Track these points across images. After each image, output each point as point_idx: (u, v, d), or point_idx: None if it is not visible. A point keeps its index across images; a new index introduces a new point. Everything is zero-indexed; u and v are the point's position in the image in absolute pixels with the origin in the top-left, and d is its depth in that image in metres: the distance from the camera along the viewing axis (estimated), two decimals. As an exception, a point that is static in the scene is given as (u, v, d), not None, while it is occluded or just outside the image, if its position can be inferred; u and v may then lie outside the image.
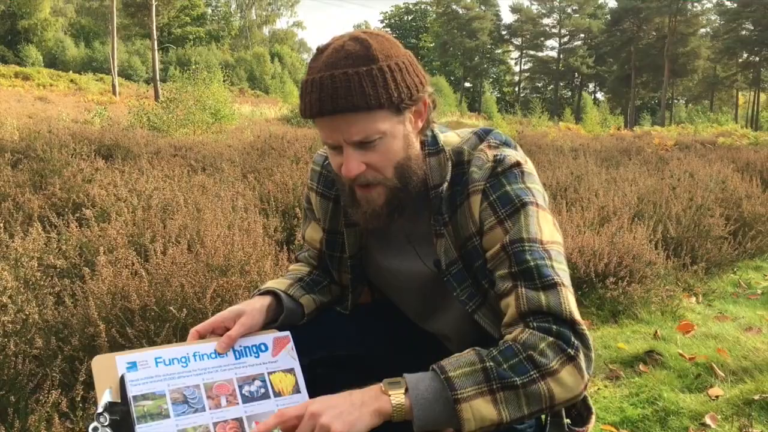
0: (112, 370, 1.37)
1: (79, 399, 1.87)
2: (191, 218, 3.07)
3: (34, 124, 9.64)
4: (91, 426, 1.31)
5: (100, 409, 1.32)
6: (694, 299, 3.90)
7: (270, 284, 1.66)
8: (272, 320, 1.60)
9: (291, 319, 1.62)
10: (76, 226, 3.00)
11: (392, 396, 1.27)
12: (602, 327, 3.36)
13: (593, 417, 1.56)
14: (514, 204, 1.42)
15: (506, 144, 1.52)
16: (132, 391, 1.36)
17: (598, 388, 2.61)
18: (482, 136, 1.53)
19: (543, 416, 1.41)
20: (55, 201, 3.99)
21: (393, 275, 1.69)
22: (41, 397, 1.83)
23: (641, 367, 2.81)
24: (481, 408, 1.26)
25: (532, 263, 1.37)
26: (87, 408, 1.89)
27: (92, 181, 4.22)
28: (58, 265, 2.50)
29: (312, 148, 7.13)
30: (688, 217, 4.64)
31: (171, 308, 2.08)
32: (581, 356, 1.31)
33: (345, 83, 1.30)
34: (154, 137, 9.48)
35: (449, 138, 1.52)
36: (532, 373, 1.28)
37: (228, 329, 1.51)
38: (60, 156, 4.79)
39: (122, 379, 1.36)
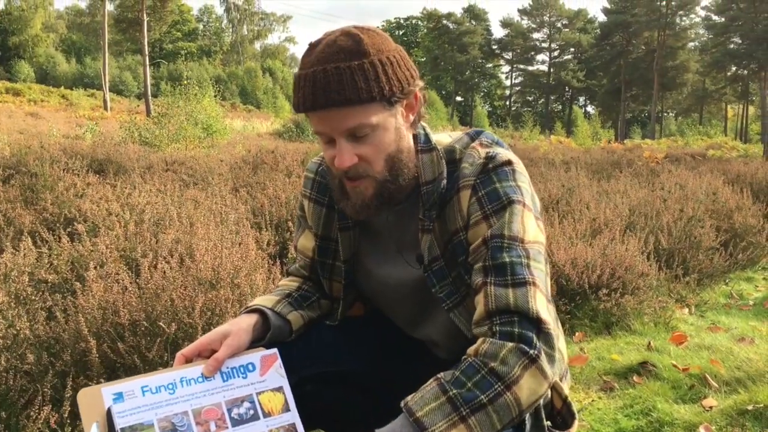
0: (99, 403, 1.34)
1: (66, 415, 1.85)
2: (183, 232, 3.06)
3: (26, 140, 9.61)
4: None
5: None
6: (686, 310, 3.91)
7: (257, 301, 1.65)
8: (259, 338, 1.58)
9: (278, 336, 1.60)
10: (68, 241, 2.98)
11: None
12: (596, 338, 3.36)
13: (576, 422, 1.56)
14: (501, 201, 1.43)
15: (498, 144, 1.54)
16: (119, 424, 1.33)
17: (593, 400, 2.61)
18: (474, 136, 1.56)
19: (525, 419, 1.41)
20: (46, 216, 3.97)
21: (383, 282, 1.68)
22: (32, 413, 1.81)
23: (635, 378, 2.80)
24: None
25: (507, 260, 1.39)
26: (77, 424, 1.87)
27: (84, 196, 4.21)
28: (49, 280, 2.49)
29: (304, 161, 7.13)
30: (680, 229, 4.65)
31: (161, 323, 2.06)
32: (543, 357, 1.32)
33: (337, 77, 1.32)
34: (146, 152, 9.46)
35: (441, 138, 1.55)
36: (496, 386, 1.28)
37: (214, 351, 1.49)
38: (51, 171, 4.77)
39: (109, 412, 1.33)
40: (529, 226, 1.44)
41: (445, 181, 1.49)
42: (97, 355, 1.99)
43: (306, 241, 1.73)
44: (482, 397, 1.27)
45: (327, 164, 1.49)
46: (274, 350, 1.55)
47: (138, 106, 38.11)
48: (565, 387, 1.66)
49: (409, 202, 1.52)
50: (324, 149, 1.45)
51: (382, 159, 1.43)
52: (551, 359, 1.34)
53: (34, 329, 2.16)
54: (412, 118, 1.46)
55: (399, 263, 1.63)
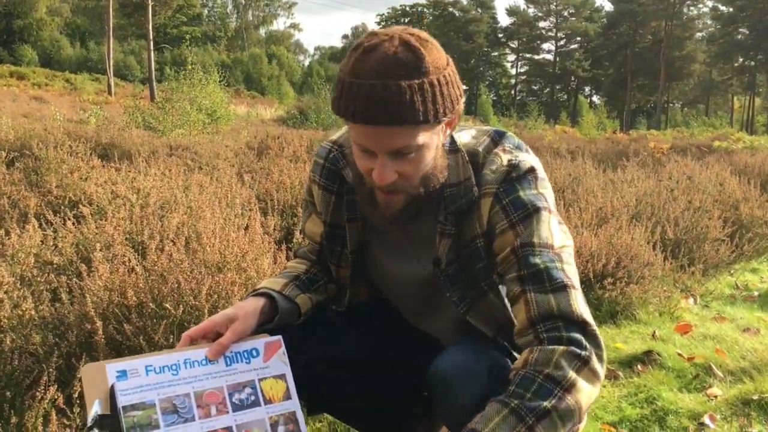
0: (102, 379, 1.34)
1: (76, 396, 1.85)
2: (189, 216, 3.05)
3: (30, 124, 9.60)
4: None
5: (89, 423, 1.29)
6: (691, 300, 3.90)
7: (265, 284, 1.64)
8: (266, 321, 1.57)
9: (287, 319, 1.60)
10: (73, 224, 2.97)
11: None
12: (600, 327, 3.34)
13: (585, 417, 1.56)
14: (527, 208, 1.42)
15: (519, 148, 1.51)
16: (122, 401, 1.33)
17: (597, 388, 2.60)
18: (496, 139, 1.52)
19: None
20: (51, 199, 3.96)
21: (392, 274, 1.68)
22: (38, 394, 1.81)
23: (639, 367, 2.80)
24: None
25: (541, 266, 1.38)
26: (84, 405, 1.87)
27: (88, 179, 4.19)
28: (54, 262, 2.48)
29: (310, 147, 7.12)
30: (686, 219, 4.64)
31: (167, 305, 2.06)
32: (594, 358, 1.31)
33: (397, 96, 1.26)
34: (150, 137, 9.44)
35: (464, 138, 1.51)
36: (556, 391, 1.27)
37: (220, 334, 1.49)
38: (56, 154, 4.76)
39: (112, 389, 1.33)
40: (556, 231, 1.42)
41: (475, 188, 1.46)
42: (103, 336, 1.98)
43: (314, 226, 1.72)
44: (545, 404, 1.25)
45: (359, 172, 1.44)
46: (278, 337, 1.55)
47: (142, 91, 38.05)
48: None
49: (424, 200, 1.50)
50: (358, 157, 1.41)
51: (419, 176, 1.41)
52: (601, 359, 1.33)
53: (39, 310, 2.16)
54: (449, 132, 1.44)
55: (409, 259, 1.62)
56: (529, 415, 1.24)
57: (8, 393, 1.88)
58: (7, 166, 4.83)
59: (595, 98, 77.77)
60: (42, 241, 2.77)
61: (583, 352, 1.30)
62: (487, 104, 58.36)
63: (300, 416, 1.50)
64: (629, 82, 61.42)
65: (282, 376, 1.51)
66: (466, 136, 1.53)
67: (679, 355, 2.88)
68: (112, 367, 1.35)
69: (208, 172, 5.18)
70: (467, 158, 1.48)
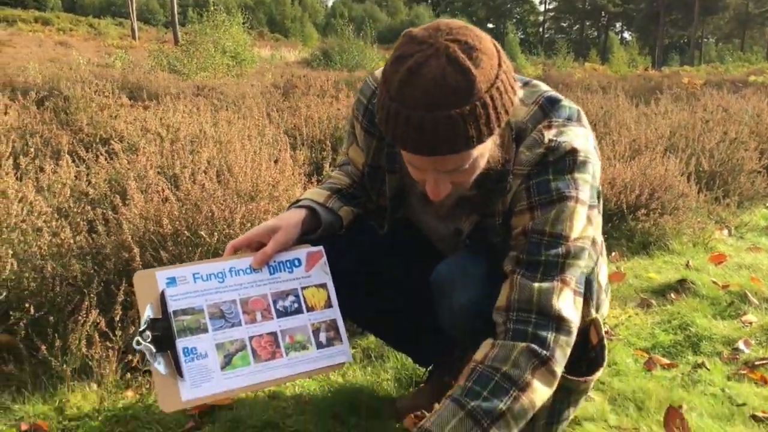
0: (153, 286, 1.40)
1: (118, 319, 1.89)
2: (219, 150, 3.06)
3: (56, 68, 9.62)
4: (134, 341, 1.34)
5: (142, 326, 1.35)
6: (726, 232, 3.85)
7: (308, 195, 1.65)
8: (308, 232, 1.60)
9: (329, 231, 1.62)
10: (105, 159, 3.00)
11: None
12: (633, 258, 3.33)
13: (602, 369, 1.56)
14: (551, 195, 1.38)
15: (569, 119, 1.43)
16: (172, 306, 1.39)
17: (629, 316, 2.60)
18: (547, 109, 1.43)
19: None
20: (82, 137, 3.99)
21: (423, 222, 1.69)
22: (80, 318, 1.86)
23: (673, 295, 2.78)
24: None
25: (542, 258, 1.36)
26: (125, 328, 1.92)
27: (118, 117, 4.21)
28: (90, 193, 2.51)
29: (336, 84, 7.06)
30: (722, 151, 4.53)
31: (201, 233, 2.08)
32: (555, 357, 1.32)
33: (449, 129, 1.20)
34: (176, 80, 9.43)
35: (514, 108, 1.39)
36: (511, 391, 1.29)
37: (263, 244, 1.52)
38: (84, 93, 4.77)
39: (162, 295, 1.39)
40: (577, 223, 1.38)
41: (510, 168, 1.41)
42: (141, 263, 2.02)
43: (356, 155, 1.71)
44: (501, 405, 1.27)
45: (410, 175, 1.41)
46: (320, 248, 1.59)
47: (165, 34, 37.79)
48: (603, 320, 1.65)
49: None
50: (409, 167, 1.37)
51: (473, 179, 1.38)
52: (563, 357, 1.34)
53: (77, 241, 2.20)
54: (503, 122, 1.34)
55: (437, 219, 1.62)
56: (484, 418, 1.26)
57: (51, 318, 1.93)
58: (37, 106, 4.86)
59: (626, 34, 75.69)
60: (75, 177, 2.81)
61: (544, 352, 1.31)
62: (515, 43, 57.10)
63: (341, 324, 1.55)
64: (662, 16, 59.43)
65: (323, 285, 1.56)
66: (517, 101, 1.39)
67: (714, 283, 2.85)
68: (162, 275, 1.40)
69: (235, 111, 5.16)
70: (513, 135, 1.41)
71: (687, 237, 3.51)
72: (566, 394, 1.52)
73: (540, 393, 1.30)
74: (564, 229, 1.37)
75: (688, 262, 3.17)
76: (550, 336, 1.32)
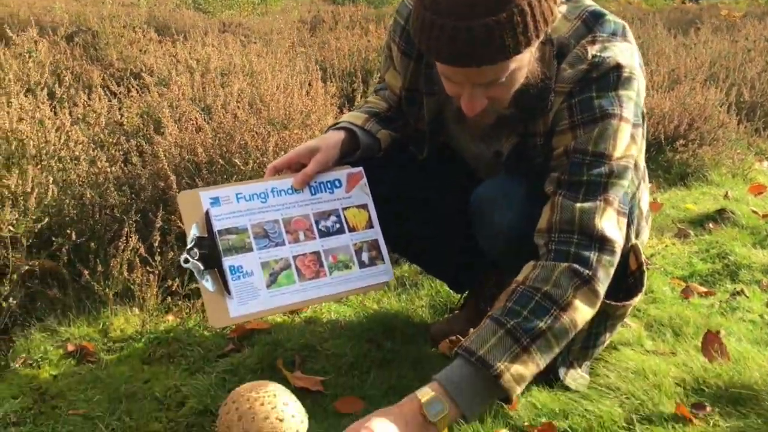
0: (197, 206, 1.41)
1: (156, 245, 1.92)
2: (250, 82, 3.03)
3: (82, 4, 9.57)
4: (182, 259, 1.37)
5: (189, 244, 1.37)
6: (766, 164, 3.76)
7: (346, 118, 1.64)
8: (347, 155, 1.60)
9: (367, 154, 1.62)
10: (137, 92, 3.00)
11: (439, 423, 1.22)
12: (670, 190, 3.28)
13: (641, 294, 1.55)
14: (593, 113, 1.34)
15: (614, 34, 1.37)
16: (216, 226, 1.40)
17: (666, 245, 2.57)
18: (590, 24, 1.38)
19: None
20: (113, 72, 3.99)
21: (463, 145, 1.67)
22: (120, 244, 1.89)
23: (711, 225, 2.74)
24: (520, 370, 1.25)
25: (584, 178, 1.33)
26: (164, 253, 1.94)
27: (147, 52, 4.19)
28: (124, 123, 2.52)
29: (365, 16, 6.93)
30: (763, 81, 4.39)
31: (236, 160, 2.08)
32: (598, 277, 1.30)
33: (484, 37, 1.16)
34: (201, 17, 9.33)
35: (556, 23, 1.35)
36: (552, 310, 1.27)
37: (304, 165, 1.53)
38: (113, 28, 4.74)
39: (207, 214, 1.40)
40: (621, 141, 1.34)
41: (552, 85, 1.36)
42: (177, 191, 2.03)
43: (393, 79, 1.68)
44: (540, 324, 1.25)
45: (445, 92, 1.38)
46: (360, 169, 1.59)
47: (190, -27, 37.24)
48: (642, 247, 1.63)
49: None
50: (445, 81, 1.34)
51: (510, 96, 1.34)
52: (607, 278, 1.31)
53: (113, 171, 2.21)
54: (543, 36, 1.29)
55: (478, 142, 1.59)
56: (524, 336, 1.25)
57: (92, 244, 1.96)
58: (66, 42, 4.85)
59: (662, -33, 72.78)
60: (108, 110, 2.81)
61: (586, 271, 1.28)
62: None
63: (382, 244, 1.57)
64: (701, -54, 56.99)
65: (364, 206, 1.57)
66: (559, 15, 1.37)
67: (754, 212, 2.80)
68: (206, 195, 1.42)
69: (264, 45, 5.10)
70: (555, 51, 1.36)
71: (726, 168, 3.44)
72: (603, 319, 1.52)
73: (582, 313, 1.29)
74: (607, 147, 1.34)
75: (726, 192, 3.11)
76: (593, 256, 1.30)
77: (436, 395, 1.22)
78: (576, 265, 1.29)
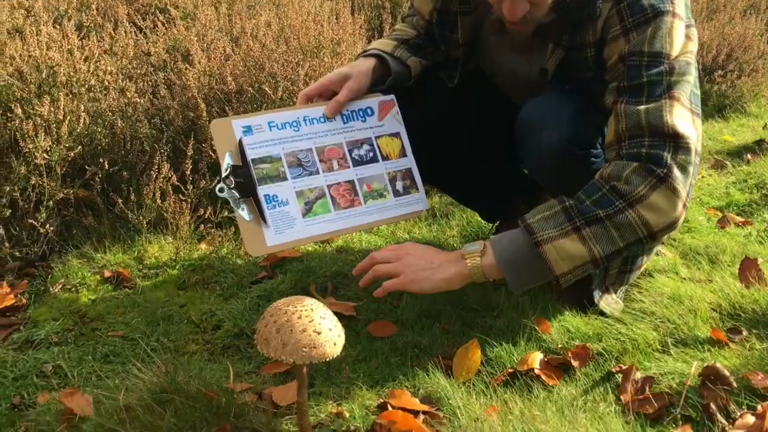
0: (230, 134, 1.40)
1: (188, 173, 1.92)
2: (276, 14, 2.98)
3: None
4: (217, 188, 1.36)
5: (223, 173, 1.36)
6: (807, 95, 3.64)
7: (375, 45, 1.61)
8: (377, 83, 1.57)
9: (398, 81, 1.59)
10: (163, 25, 2.96)
11: (468, 259, 1.28)
12: (707, 122, 3.19)
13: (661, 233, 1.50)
14: (645, 13, 1.29)
15: None
16: (250, 155, 1.39)
17: (703, 176, 2.52)
18: None
19: None
20: (138, 7, 3.95)
21: (501, 67, 1.62)
22: (152, 173, 1.90)
23: (749, 156, 2.68)
24: (567, 246, 1.22)
25: (644, 79, 1.28)
26: (195, 182, 1.95)
27: (171, -13, 4.13)
28: (152, 53, 2.50)
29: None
30: (807, 10, 4.21)
31: (265, 88, 2.06)
32: (674, 175, 1.23)
33: None
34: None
35: None
36: (617, 203, 1.22)
37: (335, 93, 1.51)
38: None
39: (240, 143, 1.39)
40: (677, 38, 1.29)
41: None
42: (207, 120, 2.02)
43: (423, 3, 1.64)
44: (599, 211, 1.22)
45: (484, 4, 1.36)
46: (392, 96, 1.56)
47: None
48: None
49: None
50: None
51: (551, 2, 1.30)
52: (686, 174, 1.24)
53: (143, 103, 2.21)
54: None
55: (520, 61, 1.54)
56: (578, 217, 1.22)
57: (125, 174, 1.97)
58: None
59: None
60: (135, 44, 2.79)
61: (660, 170, 1.22)
62: None
63: (416, 172, 1.55)
64: None
65: (397, 135, 1.55)
66: None
67: (794, 143, 2.73)
68: (238, 123, 1.41)
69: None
70: None
71: (765, 99, 3.36)
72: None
73: (659, 213, 1.23)
74: (664, 45, 1.29)
75: (765, 124, 3.03)
76: (667, 154, 1.23)
77: (479, 242, 1.30)
78: (650, 164, 1.23)
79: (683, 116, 1.27)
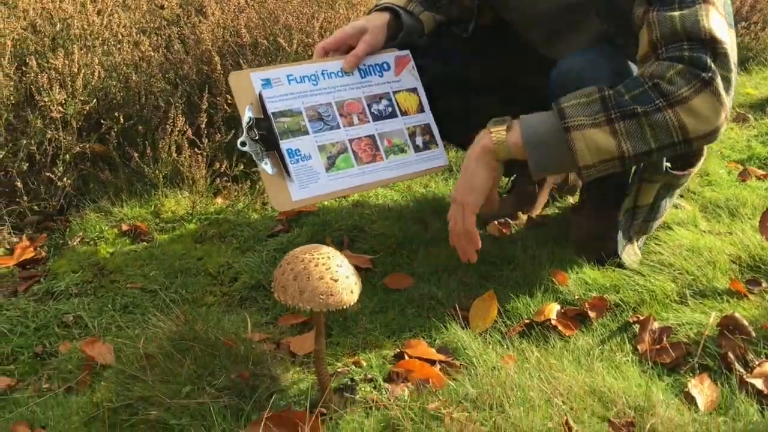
0: (249, 87, 1.38)
1: (204, 126, 1.92)
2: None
3: None
4: (239, 141, 1.34)
5: (245, 126, 1.34)
6: (833, 48, 3.54)
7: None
8: (392, 38, 1.56)
9: (411, 36, 1.57)
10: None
11: (493, 133, 1.26)
12: (728, 75, 3.13)
13: (701, 161, 1.47)
14: None
15: None
16: (270, 108, 1.38)
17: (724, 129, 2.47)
18: None
19: None
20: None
21: (525, 5, 1.56)
22: (168, 127, 1.89)
23: (772, 109, 2.63)
24: (596, 137, 1.18)
25: None
26: (211, 135, 1.94)
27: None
28: (165, 6, 2.47)
29: None
30: (836, -40, 4.08)
31: (280, 40, 2.04)
32: (718, 80, 1.18)
33: None
34: None
35: None
36: (657, 101, 1.17)
37: (351, 47, 1.49)
38: None
39: (260, 96, 1.37)
40: None
41: None
42: (222, 73, 2.00)
43: None
44: (637, 107, 1.17)
45: None
46: (407, 52, 1.55)
47: None
48: None
49: None
50: None
51: None
52: (728, 84, 1.19)
53: (157, 57, 2.19)
54: None
55: None
56: (615, 109, 1.18)
57: (140, 128, 1.97)
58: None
59: None
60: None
61: (705, 74, 1.17)
62: None
63: (434, 128, 1.54)
64: None
65: (414, 90, 1.54)
66: None
67: (819, 96, 2.67)
68: (257, 75, 1.39)
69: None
70: None
71: (790, 51, 3.26)
72: (665, 190, 1.49)
73: (697, 118, 1.18)
74: None
75: (790, 77, 2.97)
76: (709, 60, 1.18)
77: (507, 117, 1.29)
78: (694, 68, 1.18)
79: (719, 21, 1.22)
